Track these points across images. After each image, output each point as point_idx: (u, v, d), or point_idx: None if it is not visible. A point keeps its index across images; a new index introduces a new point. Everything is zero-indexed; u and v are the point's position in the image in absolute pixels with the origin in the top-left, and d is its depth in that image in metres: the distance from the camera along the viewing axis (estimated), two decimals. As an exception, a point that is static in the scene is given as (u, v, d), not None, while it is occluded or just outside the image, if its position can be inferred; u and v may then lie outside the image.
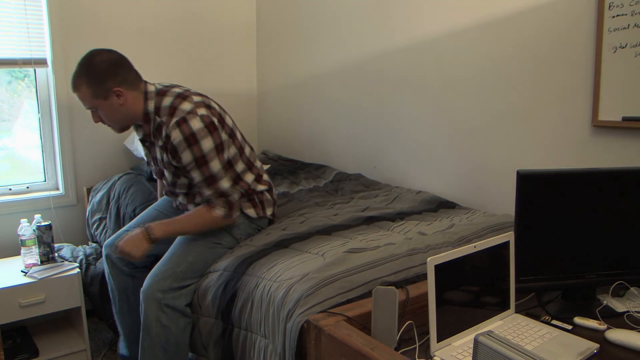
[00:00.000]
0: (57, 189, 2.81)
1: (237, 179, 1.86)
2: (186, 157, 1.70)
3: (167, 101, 1.75)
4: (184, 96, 1.76)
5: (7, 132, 2.70)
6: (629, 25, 1.71)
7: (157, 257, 1.88)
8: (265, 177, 2.01)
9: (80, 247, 2.54)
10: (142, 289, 1.71)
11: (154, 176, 2.08)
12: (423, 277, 1.51)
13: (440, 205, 2.24)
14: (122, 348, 2.09)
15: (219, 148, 1.73)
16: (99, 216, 2.57)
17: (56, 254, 2.38)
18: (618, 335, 1.28)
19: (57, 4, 2.67)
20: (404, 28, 2.49)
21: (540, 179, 1.41)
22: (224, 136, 1.78)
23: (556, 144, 1.98)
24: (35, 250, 2.32)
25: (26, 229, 2.31)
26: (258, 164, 1.99)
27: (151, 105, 1.76)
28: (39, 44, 2.65)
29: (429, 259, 1.19)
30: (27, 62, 2.61)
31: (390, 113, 2.62)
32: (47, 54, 2.67)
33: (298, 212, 2.12)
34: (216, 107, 1.83)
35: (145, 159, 2.09)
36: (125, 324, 2.03)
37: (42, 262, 2.28)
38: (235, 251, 1.78)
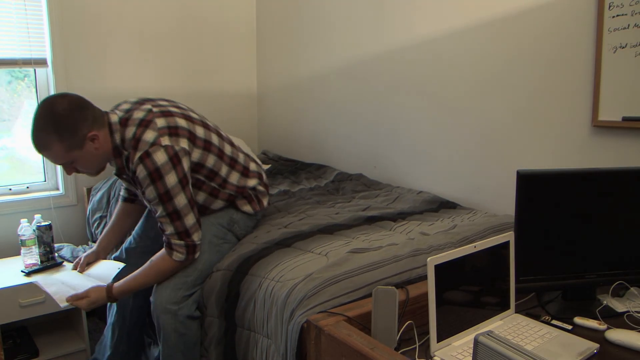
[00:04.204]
0: (57, 189, 2.81)
1: (223, 183, 1.79)
2: (150, 192, 1.60)
3: (130, 132, 1.62)
4: (146, 123, 1.62)
5: (7, 132, 2.70)
6: (629, 25, 1.71)
7: None
8: (253, 166, 1.92)
9: (80, 247, 2.54)
10: (153, 300, 1.68)
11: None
12: (426, 278, 1.51)
13: (442, 206, 2.24)
14: (98, 352, 2.01)
15: (184, 181, 1.62)
16: (99, 215, 2.57)
17: (56, 254, 2.38)
18: (618, 335, 1.28)
19: (57, 4, 2.67)
20: (404, 28, 2.49)
21: (540, 179, 1.41)
22: (195, 155, 1.68)
23: (556, 144, 1.98)
24: (35, 250, 2.32)
25: (26, 229, 2.31)
26: (241, 157, 1.88)
27: (118, 138, 1.64)
28: (39, 44, 2.65)
29: (428, 259, 1.19)
30: (27, 62, 2.61)
31: (391, 113, 2.62)
32: (47, 54, 2.67)
33: (299, 210, 2.12)
34: (183, 123, 1.68)
35: (122, 190, 2.02)
36: (114, 336, 1.95)
37: (42, 262, 2.28)
38: (237, 249, 1.77)
